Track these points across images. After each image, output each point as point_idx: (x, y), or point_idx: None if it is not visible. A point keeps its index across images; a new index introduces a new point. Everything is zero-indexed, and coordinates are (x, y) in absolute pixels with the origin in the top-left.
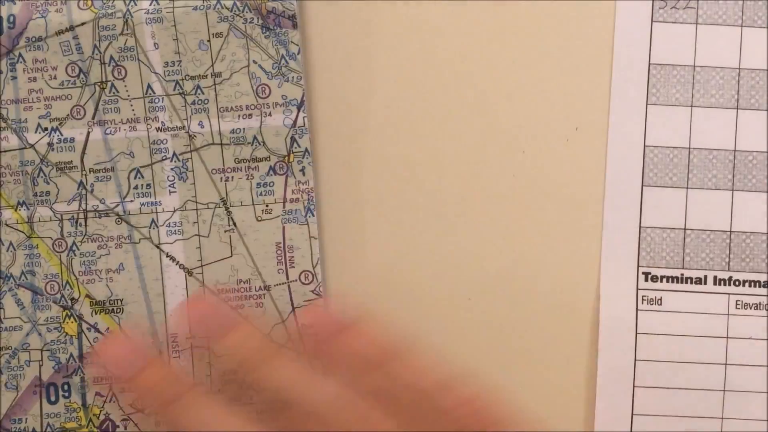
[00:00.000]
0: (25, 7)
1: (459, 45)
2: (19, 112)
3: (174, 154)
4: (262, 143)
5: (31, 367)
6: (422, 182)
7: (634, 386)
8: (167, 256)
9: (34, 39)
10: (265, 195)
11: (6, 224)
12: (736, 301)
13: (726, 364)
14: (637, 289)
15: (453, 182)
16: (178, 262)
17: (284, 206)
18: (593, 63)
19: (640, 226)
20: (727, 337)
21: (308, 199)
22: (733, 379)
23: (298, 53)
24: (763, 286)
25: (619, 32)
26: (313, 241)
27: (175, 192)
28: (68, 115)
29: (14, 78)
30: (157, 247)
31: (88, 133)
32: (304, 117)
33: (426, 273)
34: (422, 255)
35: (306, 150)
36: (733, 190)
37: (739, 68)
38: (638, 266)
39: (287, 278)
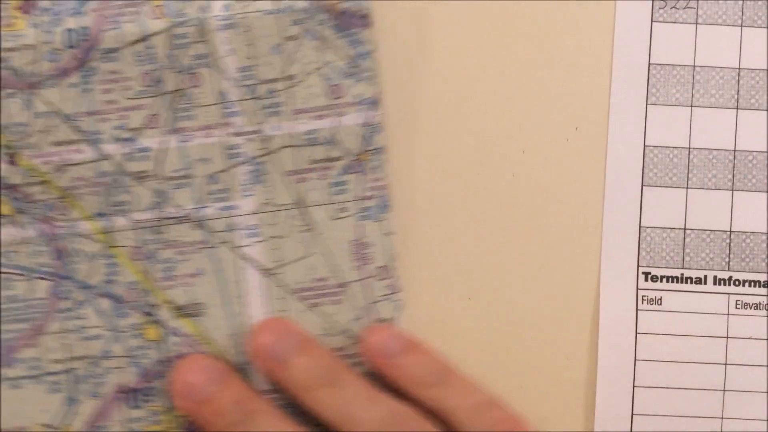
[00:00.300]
0: (97, 19)
1: (460, 45)
2: (94, 124)
3: (249, 157)
4: (336, 143)
5: (114, 374)
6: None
7: (634, 386)
8: (245, 259)
9: (107, 50)
10: (340, 194)
11: (84, 235)
12: (736, 301)
13: (726, 364)
14: (637, 289)
15: (451, 182)
16: (256, 263)
17: (359, 204)
18: (593, 63)
19: (640, 226)
20: (727, 337)
21: (383, 196)
22: (733, 379)
23: (371, 52)
24: (763, 286)
25: (619, 32)
26: (388, 237)
27: (251, 195)
28: (144, 124)
29: (89, 90)
30: (235, 251)
31: (164, 141)
32: (377, 115)
33: (426, 272)
34: (423, 254)
35: (380, 148)
36: (733, 190)
37: (739, 68)
38: (638, 266)
39: (364, 275)
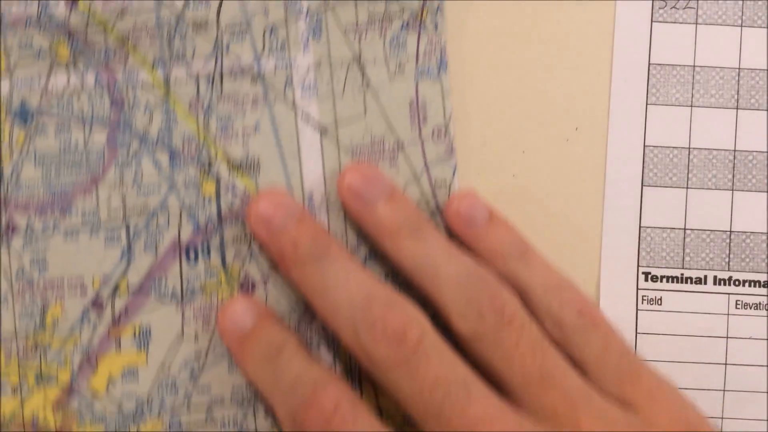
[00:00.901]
0: None
1: (458, 46)
2: None
3: (308, 10)
4: None
5: (170, 229)
6: None
7: None
8: (302, 115)
9: None
10: (398, 52)
11: (142, 85)
12: (736, 301)
13: (726, 364)
14: (637, 289)
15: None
16: (312, 120)
17: (417, 63)
18: (593, 63)
19: (640, 226)
20: (727, 337)
21: (440, 56)
22: (733, 379)
23: None
24: (763, 286)
25: (619, 32)
26: (445, 97)
27: (309, 50)
28: None
29: None
30: (292, 106)
31: None
32: None
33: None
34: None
35: (439, 5)
36: (733, 190)
37: (739, 68)
38: (638, 266)
39: (420, 134)
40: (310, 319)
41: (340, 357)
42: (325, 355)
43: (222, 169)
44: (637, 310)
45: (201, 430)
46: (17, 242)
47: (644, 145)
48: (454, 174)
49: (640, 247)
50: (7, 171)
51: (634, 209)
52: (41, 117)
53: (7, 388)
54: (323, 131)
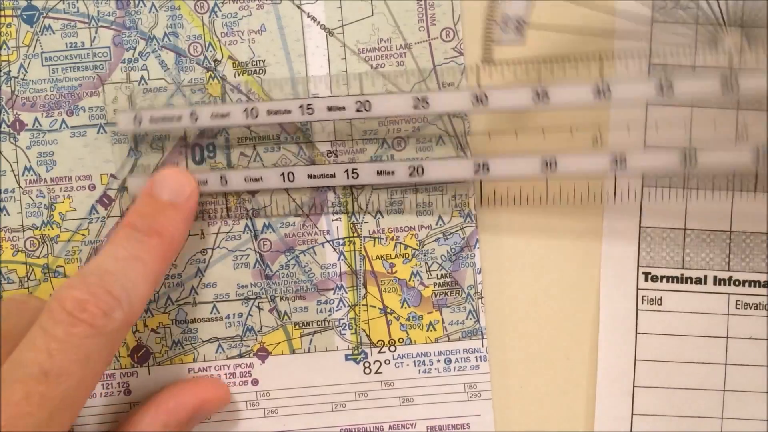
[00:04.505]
0: None
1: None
2: None
3: None
4: None
5: (177, 129)
6: None
7: (634, 386)
8: (308, 17)
9: None
10: None
11: None
12: (736, 301)
13: (726, 364)
14: (637, 289)
15: None
16: (319, 22)
17: None
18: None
19: (640, 226)
20: (727, 337)
21: None
22: (733, 379)
23: None
24: (763, 286)
25: (619, 31)
26: None
27: None
28: None
29: None
30: (299, 8)
31: None
32: None
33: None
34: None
35: None
36: (733, 190)
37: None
38: (638, 266)
39: (428, 36)
40: (314, 221)
41: (345, 259)
42: (331, 256)
43: (228, 69)
44: (637, 310)
45: (206, 324)
46: (24, 140)
47: (644, 146)
48: (461, 75)
49: (640, 247)
50: (14, 69)
51: (634, 209)
52: (47, 16)
53: (15, 280)
54: (329, 32)
